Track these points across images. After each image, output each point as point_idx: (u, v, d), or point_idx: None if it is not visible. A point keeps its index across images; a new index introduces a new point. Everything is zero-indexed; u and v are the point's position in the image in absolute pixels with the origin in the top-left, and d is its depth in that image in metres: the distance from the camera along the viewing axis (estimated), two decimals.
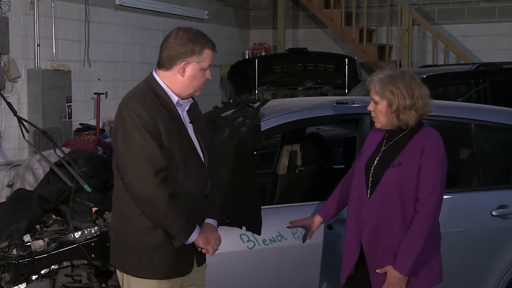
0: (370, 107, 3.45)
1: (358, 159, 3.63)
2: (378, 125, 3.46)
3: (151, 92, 3.13)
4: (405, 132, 3.42)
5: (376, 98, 3.39)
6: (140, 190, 3.03)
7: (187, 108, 3.25)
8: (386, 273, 3.37)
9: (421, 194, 3.33)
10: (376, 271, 3.39)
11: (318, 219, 3.81)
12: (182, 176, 3.12)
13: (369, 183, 3.43)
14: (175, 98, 3.18)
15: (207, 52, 3.15)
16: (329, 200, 3.82)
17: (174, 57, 3.12)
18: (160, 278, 3.14)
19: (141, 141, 3.01)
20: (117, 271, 3.30)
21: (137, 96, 3.11)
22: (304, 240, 3.90)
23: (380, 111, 3.40)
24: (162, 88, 3.16)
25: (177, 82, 3.15)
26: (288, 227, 3.89)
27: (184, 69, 3.13)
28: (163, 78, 3.17)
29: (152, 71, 3.23)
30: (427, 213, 3.32)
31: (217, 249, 3.26)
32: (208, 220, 3.28)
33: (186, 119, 3.23)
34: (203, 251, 3.21)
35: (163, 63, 3.16)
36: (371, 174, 3.44)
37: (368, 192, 3.43)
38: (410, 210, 3.34)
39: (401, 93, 3.34)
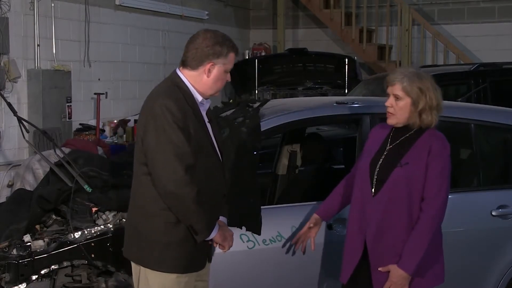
0: (389, 103, 3.39)
1: (361, 158, 3.61)
2: (393, 121, 3.40)
3: (177, 90, 3.19)
4: (412, 132, 3.41)
5: (401, 94, 3.34)
6: (170, 186, 3.07)
7: (207, 108, 3.31)
8: (388, 272, 3.36)
9: (427, 194, 3.32)
10: (379, 269, 3.37)
11: (317, 220, 3.73)
12: (206, 175, 3.18)
13: (374, 182, 3.41)
14: (199, 98, 3.24)
15: (232, 55, 3.24)
16: (329, 201, 3.78)
17: (202, 57, 3.19)
18: (180, 272, 3.20)
19: (174, 138, 3.07)
20: (133, 265, 3.32)
21: (167, 93, 3.16)
22: (304, 252, 3.79)
23: (402, 108, 3.36)
24: (187, 87, 3.23)
25: (202, 82, 3.23)
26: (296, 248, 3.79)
27: (210, 70, 3.21)
28: (188, 78, 3.24)
29: (175, 70, 3.29)
30: (433, 213, 3.32)
31: (232, 245, 3.36)
32: (221, 218, 3.36)
33: (205, 118, 3.29)
34: (219, 247, 3.32)
35: (189, 63, 3.22)
36: (376, 173, 3.41)
37: (372, 191, 3.41)
38: (416, 209, 3.34)
39: (429, 93, 3.34)
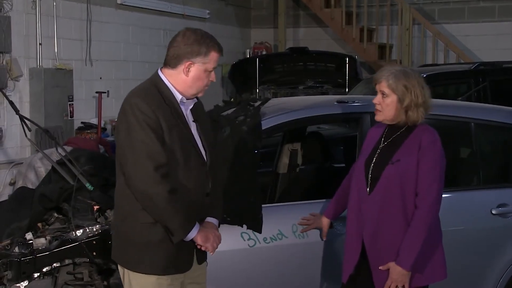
0: (376, 100, 3.44)
1: (358, 158, 3.63)
2: (380, 118, 3.46)
3: (155, 89, 3.17)
4: (403, 129, 3.44)
5: (387, 91, 3.38)
6: (140, 185, 3.05)
7: (190, 106, 3.27)
8: (388, 269, 3.36)
9: (420, 189, 3.34)
10: (379, 268, 3.38)
11: (325, 220, 3.85)
12: (182, 173, 3.14)
13: (369, 180, 3.44)
14: (178, 96, 3.20)
15: (213, 55, 3.19)
16: (333, 201, 3.84)
17: (180, 56, 3.16)
18: (159, 273, 3.15)
19: (143, 136, 3.04)
20: (119, 267, 3.32)
21: (140, 93, 3.15)
22: (322, 239, 3.93)
23: (388, 104, 3.40)
24: (166, 86, 3.19)
25: (181, 81, 3.18)
26: (302, 231, 3.91)
27: (189, 68, 3.17)
28: (167, 76, 3.21)
29: (157, 69, 3.26)
30: (427, 207, 3.33)
31: (217, 247, 3.26)
32: (209, 219, 3.29)
33: (189, 117, 3.25)
34: (202, 248, 3.22)
35: (169, 61, 3.20)
36: (370, 171, 3.44)
37: (368, 189, 3.43)
38: (411, 206, 3.35)
39: (414, 90, 3.35)
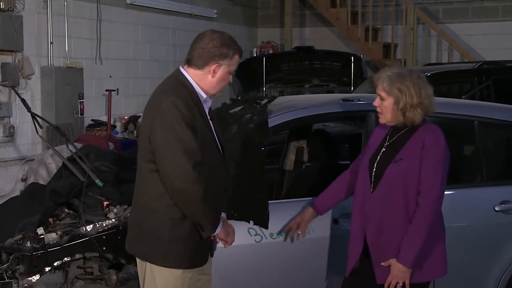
0: (376, 103, 3.46)
1: (363, 156, 3.63)
2: (382, 120, 3.47)
3: (183, 88, 3.18)
4: (408, 128, 3.43)
5: (383, 94, 3.40)
6: (178, 182, 3.05)
7: (209, 106, 3.30)
8: (390, 266, 3.37)
9: (422, 188, 3.33)
10: (381, 264, 3.39)
11: (310, 212, 3.80)
12: (210, 171, 3.16)
13: (372, 178, 3.44)
14: (203, 95, 3.23)
15: (236, 58, 3.23)
16: (325, 194, 3.82)
17: (208, 58, 3.17)
18: (185, 267, 3.19)
19: (182, 135, 3.05)
20: (138, 261, 3.33)
21: (174, 91, 3.14)
22: (286, 237, 3.89)
23: (386, 107, 3.41)
24: (192, 85, 3.21)
25: (207, 81, 3.21)
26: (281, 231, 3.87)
27: (215, 70, 3.20)
28: (193, 76, 3.22)
29: (179, 68, 3.27)
30: (428, 206, 3.33)
31: (234, 240, 3.35)
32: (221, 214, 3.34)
33: (208, 116, 3.28)
34: (222, 242, 3.31)
35: (195, 62, 3.20)
36: (374, 170, 3.45)
37: (371, 187, 3.44)
38: (413, 203, 3.35)
39: (409, 92, 3.35)
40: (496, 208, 4.20)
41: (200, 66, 3.20)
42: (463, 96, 6.64)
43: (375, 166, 3.45)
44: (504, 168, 4.56)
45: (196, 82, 3.21)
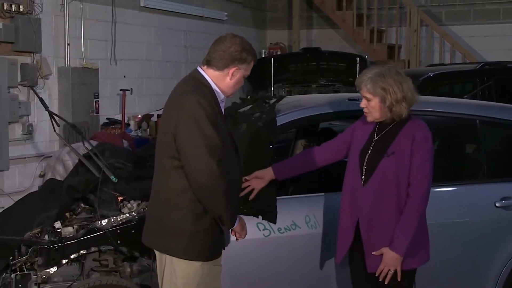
0: (363, 104, 3.51)
1: (351, 150, 3.63)
2: (370, 119, 3.52)
3: (205, 88, 3.20)
4: (395, 123, 3.48)
5: (369, 95, 3.45)
6: (203, 179, 3.06)
7: (223, 106, 3.32)
8: (381, 255, 3.42)
9: (413, 180, 3.39)
10: (373, 253, 3.44)
11: (270, 175, 3.80)
12: (229, 168, 3.18)
13: (364, 171, 3.47)
14: (221, 96, 3.25)
15: (252, 64, 3.26)
16: (288, 162, 3.90)
17: (229, 61, 3.20)
18: (205, 260, 3.22)
19: (207, 132, 3.07)
20: (158, 254, 3.35)
21: (198, 91, 3.16)
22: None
23: (373, 107, 3.46)
24: (211, 86, 3.23)
25: (225, 82, 3.23)
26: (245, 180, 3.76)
27: (234, 74, 3.22)
28: (212, 77, 3.24)
29: (197, 69, 3.28)
30: (420, 197, 3.38)
31: (247, 234, 3.42)
32: None
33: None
34: (237, 235, 3.37)
35: (215, 63, 3.22)
36: (365, 163, 3.48)
37: (362, 180, 3.47)
38: (403, 194, 3.40)
39: (392, 89, 3.40)
40: (497, 204, 4.19)
41: (220, 68, 3.21)
42: (465, 96, 6.61)
43: (366, 160, 3.48)
44: (505, 166, 4.55)
45: (214, 83, 3.23)
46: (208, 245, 3.21)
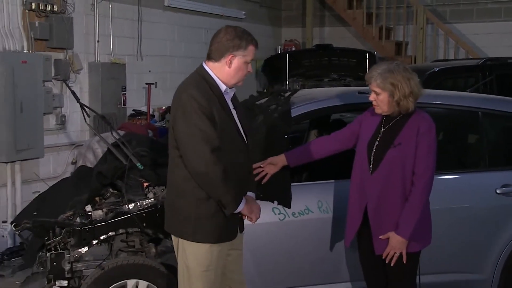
0: (372, 98, 3.49)
1: (359, 141, 3.62)
2: (378, 111, 3.51)
3: (204, 82, 3.18)
4: (401, 115, 3.47)
5: (378, 90, 3.44)
6: (199, 166, 3.06)
7: (231, 96, 3.28)
8: (388, 238, 3.42)
9: (418, 170, 3.38)
10: (380, 237, 3.44)
11: (282, 161, 3.78)
12: (231, 155, 3.16)
13: (371, 161, 3.46)
14: (223, 87, 3.22)
15: (251, 48, 3.20)
16: (299, 150, 3.85)
17: (223, 50, 3.16)
18: (212, 242, 3.20)
19: (200, 124, 3.05)
20: (172, 237, 3.35)
21: (194, 85, 3.15)
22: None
23: (382, 100, 3.44)
24: (212, 78, 3.20)
25: (225, 72, 3.19)
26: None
27: (231, 61, 3.17)
28: (212, 69, 3.21)
29: (202, 63, 3.26)
30: (424, 185, 3.38)
31: (259, 217, 3.32)
32: (248, 193, 3.34)
33: (230, 105, 3.26)
34: (247, 219, 3.29)
35: (213, 55, 3.20)
36: (373, 153, 3.47)
37: (370, 169, 3.45)
38: (409, 182, 3.40)
39: (400, 84, 3.39)
40: (498, 191, 4.16)
41: (217, 59, 3.19)
42: (468, 90, 6.55)
43: (374, 150, 3.47)
44: (505, 155, 4.51)
45: (215, 75, 3.20)
46: (215, 228, 3.18)
